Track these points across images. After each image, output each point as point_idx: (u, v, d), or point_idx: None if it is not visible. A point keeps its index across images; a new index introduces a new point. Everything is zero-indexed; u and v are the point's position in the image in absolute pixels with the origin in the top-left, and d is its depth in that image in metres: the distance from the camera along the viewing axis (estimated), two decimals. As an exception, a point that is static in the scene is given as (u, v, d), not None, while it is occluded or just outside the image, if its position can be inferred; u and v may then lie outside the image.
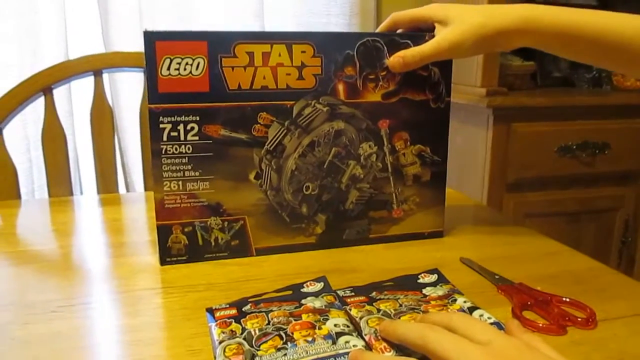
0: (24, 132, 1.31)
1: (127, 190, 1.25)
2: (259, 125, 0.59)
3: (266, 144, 0.60)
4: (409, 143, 0.64)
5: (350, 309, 0.47)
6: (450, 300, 0.49)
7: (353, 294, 0.51)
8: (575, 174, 1.64)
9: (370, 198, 0.64)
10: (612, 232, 1.75)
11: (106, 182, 1.00)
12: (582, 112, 1.64)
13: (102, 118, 1.00)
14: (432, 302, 0.49)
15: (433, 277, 0.55)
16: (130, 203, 0.89)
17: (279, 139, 0.60)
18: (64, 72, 0.97)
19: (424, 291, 0.51)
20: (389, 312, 0.47)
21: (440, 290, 0.51)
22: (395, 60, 0.60)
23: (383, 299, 0.49)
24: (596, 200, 1.69)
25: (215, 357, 0.41)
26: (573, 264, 0.61)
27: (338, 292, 0.51)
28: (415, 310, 0.47)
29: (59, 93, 1.24)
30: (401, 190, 0.65)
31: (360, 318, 0.45)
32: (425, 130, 0.64)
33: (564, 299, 0.51)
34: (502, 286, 0.53)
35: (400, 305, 0.48)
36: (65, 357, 0.43)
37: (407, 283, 0.54)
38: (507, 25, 0.58)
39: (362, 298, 0.50)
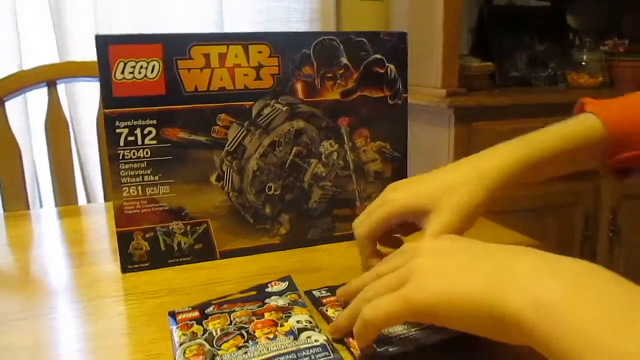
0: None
1: (89, 202, 1.22)
2: (218, 126, 0.59)
3: (226, 145, 0.59)
4: (369, 140, 0.65)
5: (326, 310, 0.47)
6: None
7: (329, 294, 0.50)
8: (535, 170, 1.68)
9: (333, 196, 0.64)
10: (574, 227, 1.80)
11: (65, 195, 0.97)
12: (540, 110, 1.68)
13: (58, 130, 0.98)
14: None
15: None
16: (90, 214, 0.87)
17: (239, 140, 0.60)
18: (16, 83, 0.95)
19: None
20: None
21: None
22: None
23: None
24: (556, 195, 1.74)
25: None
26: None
27: (314, 292, 0.50)
28: None
29: (14, 105, 1.21)
30: (363, 187, 0.66)
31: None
32: (384, 127, 0.65)
33: None
34: None
35: None
36: (20, 370, 0.42)
37: None
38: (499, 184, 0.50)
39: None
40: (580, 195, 1.77)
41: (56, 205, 0.98)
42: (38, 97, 1.10)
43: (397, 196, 0.50)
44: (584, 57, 1.94)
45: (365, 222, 0.51)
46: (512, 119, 1.66)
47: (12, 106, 1.21)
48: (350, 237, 0.66)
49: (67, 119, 1.28)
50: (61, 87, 1.23)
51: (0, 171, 0.94)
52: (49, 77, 0.97)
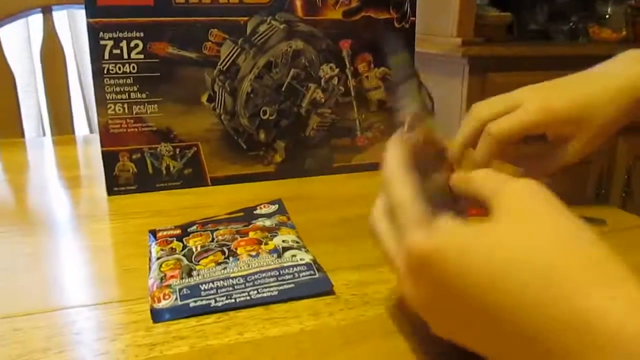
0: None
1: (91, 132, 1.20)
2: (210, 43, 0.55)
3: (218, 63, 0.56)
4: (372, 66, 0.60)
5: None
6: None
7: None
8: (550, 125, 1.63)
9: (332, 124, 0.61)
10: (586, 185, 1.75)
11: (60, 124, 0.94)
12: (558, 63, 1.61)
13: (54, 58, 0.94)
14: None
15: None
16: (86, 143, 0.84)
17: (232, 59, 0.56)
18: (8, 9, 0.90)
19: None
20: None
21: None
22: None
23: None
24: (571, 152, 1.68)
25: (149, 273, 0.37)
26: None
27: None
28: None
29: (15, 33, 1.18)
30: (365, 117, 0.62)
31: None
32: (389, 52, 0.61)
33: None
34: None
35: None
36: (-11, 279, 0.39)
37: None
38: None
39: None
40: (596, 153, 1.72)
41: (53, 135, 0.95)
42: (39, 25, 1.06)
43: (540, 105, 0.46)
44: (608, 10, 1.85)
45: (502, 122, 0.46)
46: (529, 71, 1.59)
47: (13, 34, 1.18)
48: (349, 169, 0.63)
49: (70, 47, 1.25)
50: (63, 15, 1.19)
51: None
52: (43, 2, 0.93)
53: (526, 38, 1.89)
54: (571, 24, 1.90)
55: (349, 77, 0.60)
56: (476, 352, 0.26)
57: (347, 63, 0.59)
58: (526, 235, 0.25)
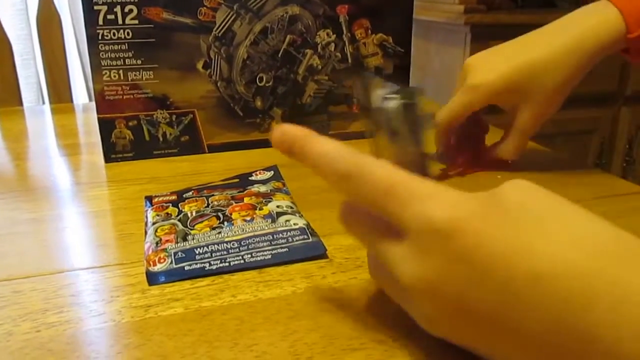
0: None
1: (90, 100, 1.20)
2: (205, 8, 0.54)
3: (214, 29, 0.55)
4: (369, 32, 0.60)
5: None
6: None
7: None
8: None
9: (329, 91, 0.61)
10: (587, 155, 1.75)
11: (58, 92, 0.94)
12: (563, 31, 1.59)
13: (50, 25, 0.93)
14: None
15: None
16: (84, 110, 0.84)
17: (227, 25, 0.55)
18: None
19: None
20: None
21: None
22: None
23: None
24: (572, 122, 1.67)
25: (145, 238, 0.38)
26: (549, 160, 0.59)
27: None
28: None
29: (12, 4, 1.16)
30: (362, 84, 0.61)
31: None
32: (387, 18, 0.60)
33: None
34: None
35: None
36: (-12, 244, 0.40)
37: None
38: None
39: None
40: (597, 122, 1.71)
41: (50, 103, 0.95)
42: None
43: (480, 81, 0.47)
44: (616, -24, 1.81)
45: (445, 108, 0.49)
46: (532, 40, 1.57)
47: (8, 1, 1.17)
48: (346, 136, 0.63)
49: (68, 15, 1.24)
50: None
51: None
52: (38, -33, 0.91)
53: (531, 5, 1.86)
54: (577, -9, 1.87)
55: (346, 43, 0.59)
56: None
57: (344, 29, 0.59)
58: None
